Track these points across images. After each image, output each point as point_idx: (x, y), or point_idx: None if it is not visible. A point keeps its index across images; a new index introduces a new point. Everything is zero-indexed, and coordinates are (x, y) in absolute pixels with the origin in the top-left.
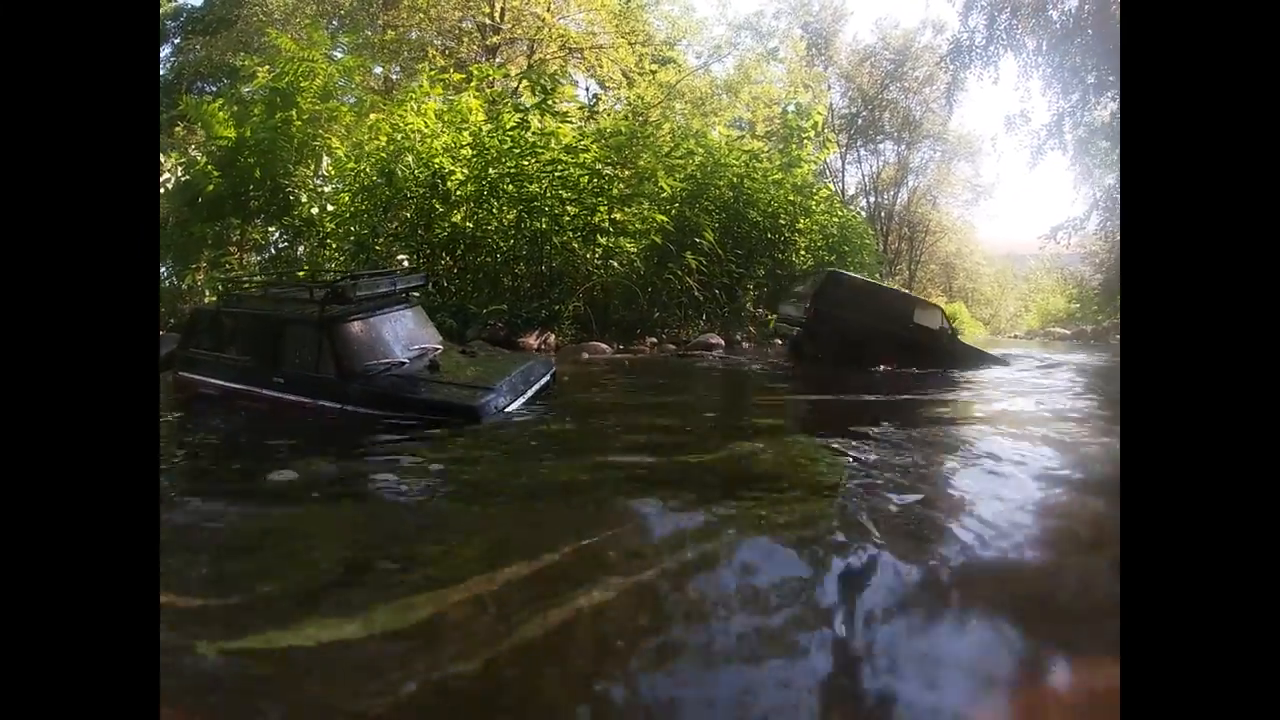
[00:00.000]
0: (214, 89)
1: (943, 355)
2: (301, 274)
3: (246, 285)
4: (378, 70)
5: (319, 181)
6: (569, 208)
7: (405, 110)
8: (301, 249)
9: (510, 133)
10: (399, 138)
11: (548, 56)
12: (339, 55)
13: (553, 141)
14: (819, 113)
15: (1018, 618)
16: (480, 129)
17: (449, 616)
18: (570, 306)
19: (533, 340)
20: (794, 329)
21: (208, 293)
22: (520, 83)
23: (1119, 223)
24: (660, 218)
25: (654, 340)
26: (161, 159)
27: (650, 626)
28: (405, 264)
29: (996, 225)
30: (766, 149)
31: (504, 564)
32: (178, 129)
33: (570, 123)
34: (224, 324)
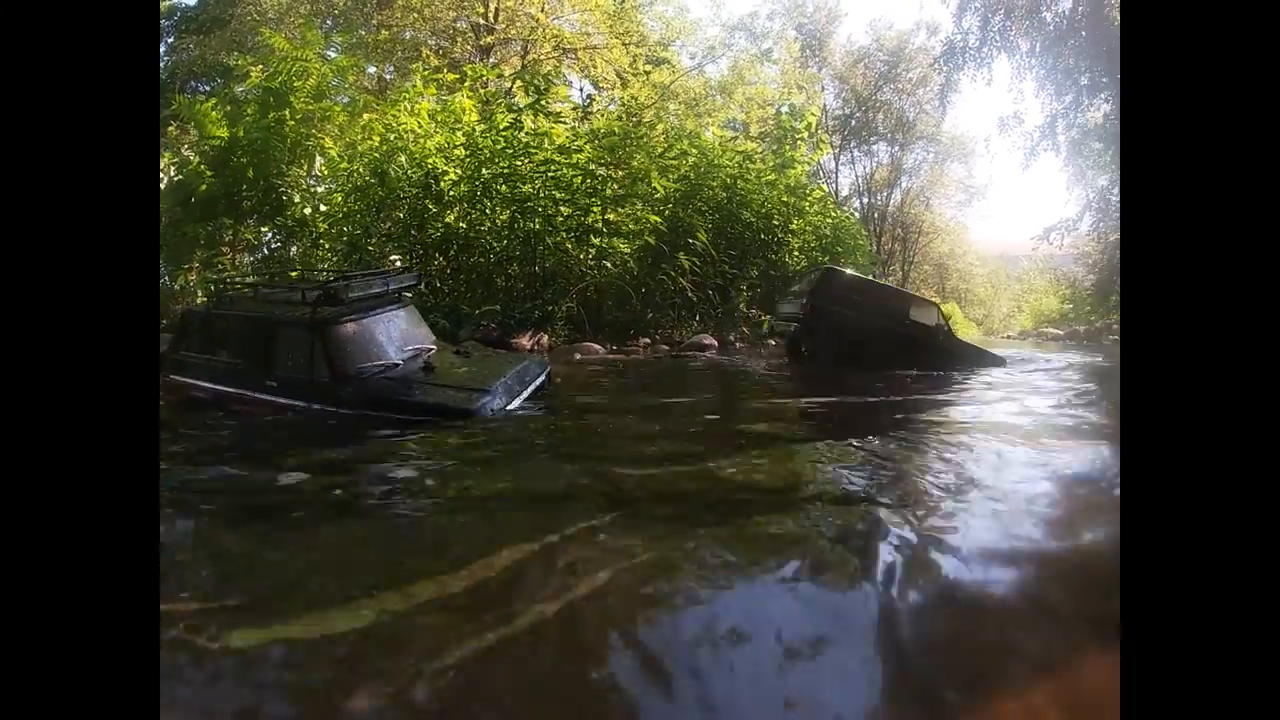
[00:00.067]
0: (207, 88)
1: (939, 352)
2: (294, 274)
3: (240, 286)
4: (371, 70)
5: (312, 181)
6: (562, 208)
7: (399, 110)
8: (294, 249)
9: (504, 133)
10: (392, 138)
11: (542, 57)
12: (333, 55)
13: (546, 142)
14: (813, 114)
15: None
16: (474, 129)
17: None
18: (563, 307)
19: (526, 341)
20: (791, 326)
21: (200, 293)
22: (514, 83)
23: (1112, 224)
24: (654, 218)
25: (647, 341)
26: None
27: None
28: (398, 264)
29: (990, 226)
30: (760, 150)
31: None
32: (171, 129)
33: (564, 123)
34: (215, 326)
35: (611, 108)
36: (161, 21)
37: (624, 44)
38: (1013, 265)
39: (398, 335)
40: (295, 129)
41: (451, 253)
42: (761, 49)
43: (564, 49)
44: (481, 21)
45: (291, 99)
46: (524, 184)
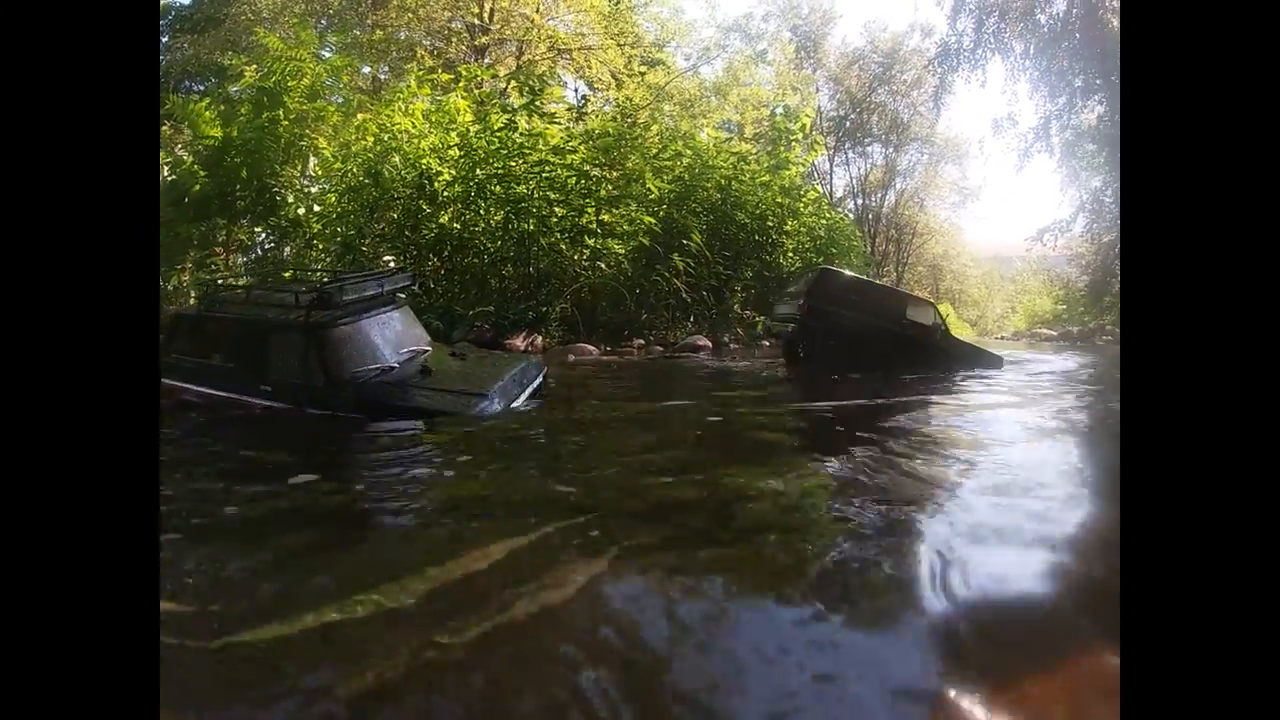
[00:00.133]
0: (201, 88)
1: (936, 352)
2: (287, 274)
3: (234, 286)
4: (366, 70)
5: (306, 182)
6: (556, 209)
7: (393, 110)
8: (288, 250)
9: (498, 134)
10: (386, 138)
11: (536, 57)
12: (327, 55)
13: (540, 143)
14: (807, 115)
15: None
16: (468, 130)
17: None
18: (557, 308)
19: (519, 342)
20: (788, 326)
21: (193, 294)
22: (509, 84)
23: (1105, 225)
24: (648, 219)
25: (641, 342)
26: None
27: None
28: (392, 265)
29: (983, 227)
30: (754, 151)
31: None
32: (165, 128)
33: (558, 124)
34: (207, 329)
35: (606, 109)
36: None
37: (619, 45)
38: (1006, 266)
39: (393, 337)
40: (289, 129)
41: (445, 253)
42: (756, 50)
43: (559, 50)
44: (476, 22)
45: (286, 99)
46: (518, 185)
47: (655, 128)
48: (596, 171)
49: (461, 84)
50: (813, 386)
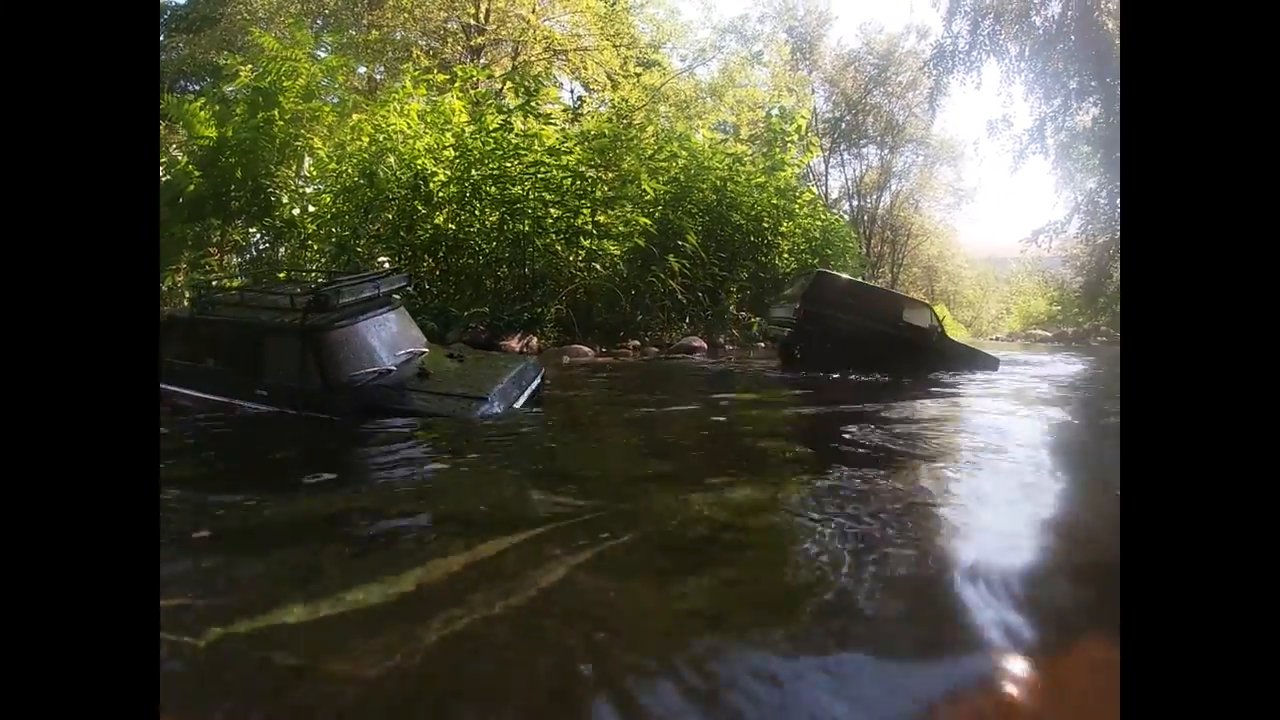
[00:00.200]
0: (196, 88)
1: (933, 354)
2: (282, 275)
3: (227, 288)
4: (361, 70)
5: (300, 182)
6: (552, 210)
7: (388, 111)
8: (282, 251)
9: (493, 134)
10: (381, 138)
11: (532, 58)
12: (323, 55)
13: (536, 143)
14: (803, 116)
15: None
16: (463, 130)
17: None
18: (553, 309)
19: (515, 343)
20: (784, 330)
21: (187, 295)
22: (504, 84)
23: (1100, 226)
24: (643, 220)
25: (637, 343)
26: None
27: None
28: (386, 266)
29: (978, 229)
30: (750, 152)
31: None
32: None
33: (554, 125)
34: (200, 332)
35: (602, 109)
36: None
37: (615, 46)
38: (1001, 267)
39: (390, 339)
40: (284, 129)
41: (440, 254)
42: (752, 52)
43: (555, 50)
44: (472, 22)
45: (281, 99)
46: (513, 185)
47: (651, 129)
48: (592, 172)
49: (457, 84)
50: (809, 390)
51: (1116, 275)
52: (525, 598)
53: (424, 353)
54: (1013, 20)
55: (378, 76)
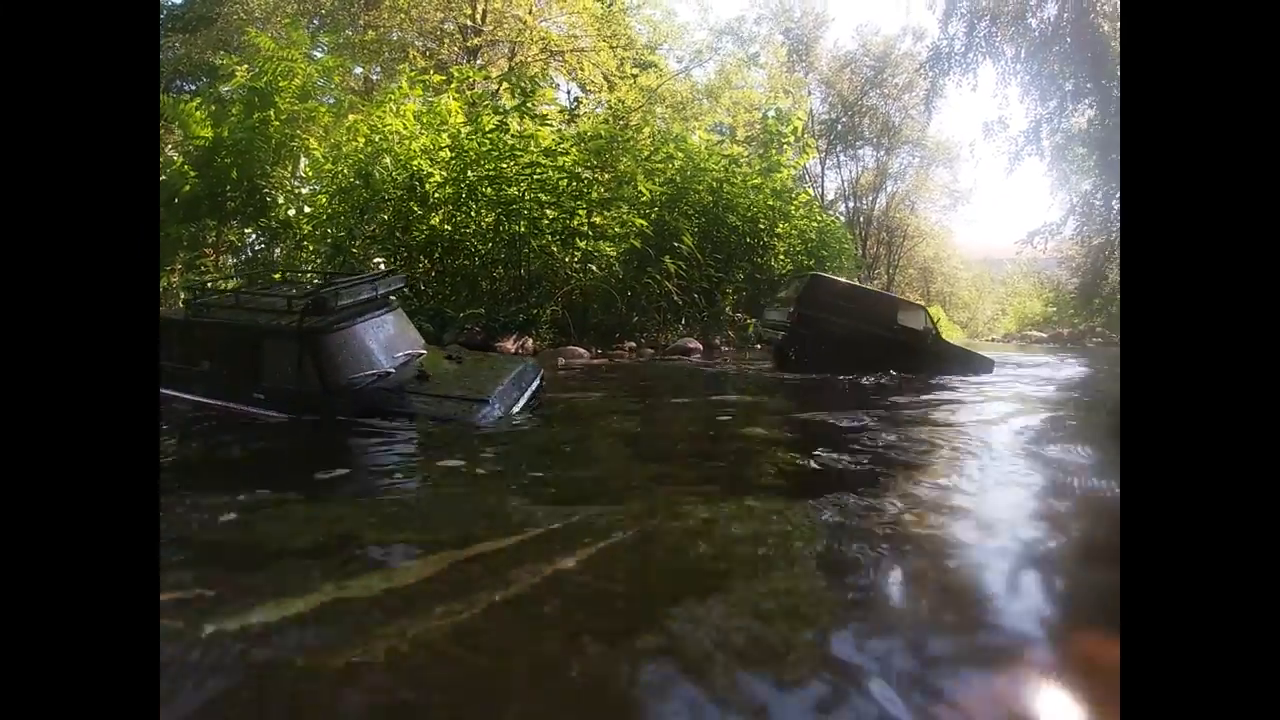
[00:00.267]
0: (193, 88)
1: (928, 356)
2: (277, 276)
3: (222, 290)
4: (358, 70)
5: (296, 183)
6: (548, 211)
7: (384, 111)
8: (278, 251)
9: (489, 135)
10: (377, 139)
11: (529, 59)
12: (319, 55)
13: (532, 144)
14: (799, 118)
15: None
16: (459, 131)
17: None
18: (548, 310)
19: (510, 345)
20: (778, 334)
21: (182, 295)
22: (500, 85)
23: (1095, 228)
24: (639, 222)
25: (632, 345)
26: None
27: None
28: (382, 267)
29: (974, 230)
30: (746, 154)
31: None
32: None
33: (550, 126)
34: (195, 335)
35: (598, 111)
36: None
37: (611, 47)
38: (997, 269)
39: (388, 341)
40: (280, 129)
41: (436, 255)
42: (748, 53)
43: (551, 51)
44: (469, 23)
45: (277, 99)
46: (509, 186)
47: (647, 130)
48: (588, 174)
49: (453, 85)
50: (804, 394)
51: (1112, 276)
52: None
53: (423, 355)
54: (1009, 22)
55: (374, 77)
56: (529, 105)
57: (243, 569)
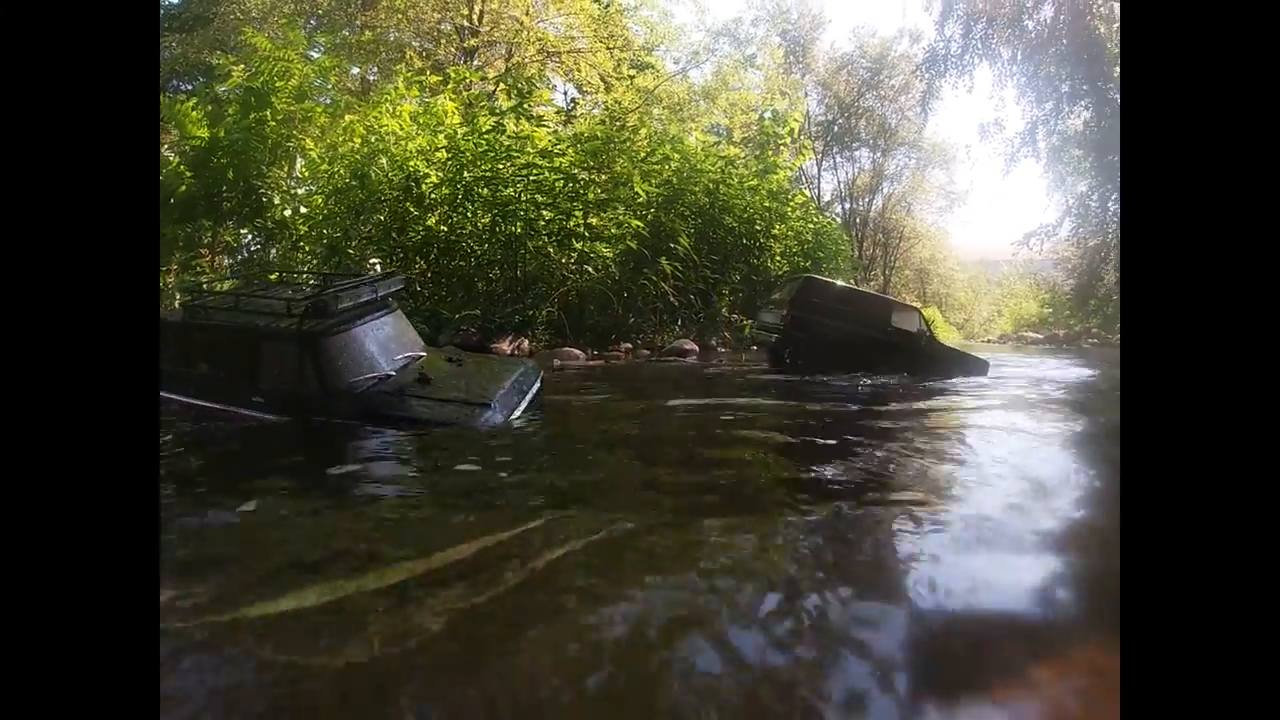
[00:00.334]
0: (189, 88)
1: (922, 358)
2: (273, 276)
3: (218, 291)
4: (354, 71)
5: (292, 183)
6: (544, 212)
7: (380, 112)
8: (274, 252)
9: (486, 136)
10: (373, 140)
11: (526, 60)
12: (316, 55)
13: (528, 145)
14: (795, 120)
15: None
16: (455, 132)
17: None
18: (544, 312)
19: (506, 346)
20: (772, 336)
21: (178, 296)
22: (497, 86)
23: (1091, 229)
24: (636, 223)
25: (628, 346)
26: None
27: None
28: (378, 268)
29: (970, 231)
30: (743, 155)
31: None
32: None
33: (546, 127)
34: (193, 337)
35: (595, 112)
36: None
37: (608, 48)
38: (993, 270)
39: (389, 343)
40: (276, 130)
41: (432, 256)
42: (745, 55)
43: (548, 52)
44: (466, 24)
45: (273, 99)
46: (506, 187)
47: (644, 131)
48: (584, 175)
49: (450, 86)
50: (799, 397)
51: (1107, 278)
52: None
53: (423, 357)
54: (1005, 24)
55: (371, 78)
56: (525, 106)
57: (243, 568)
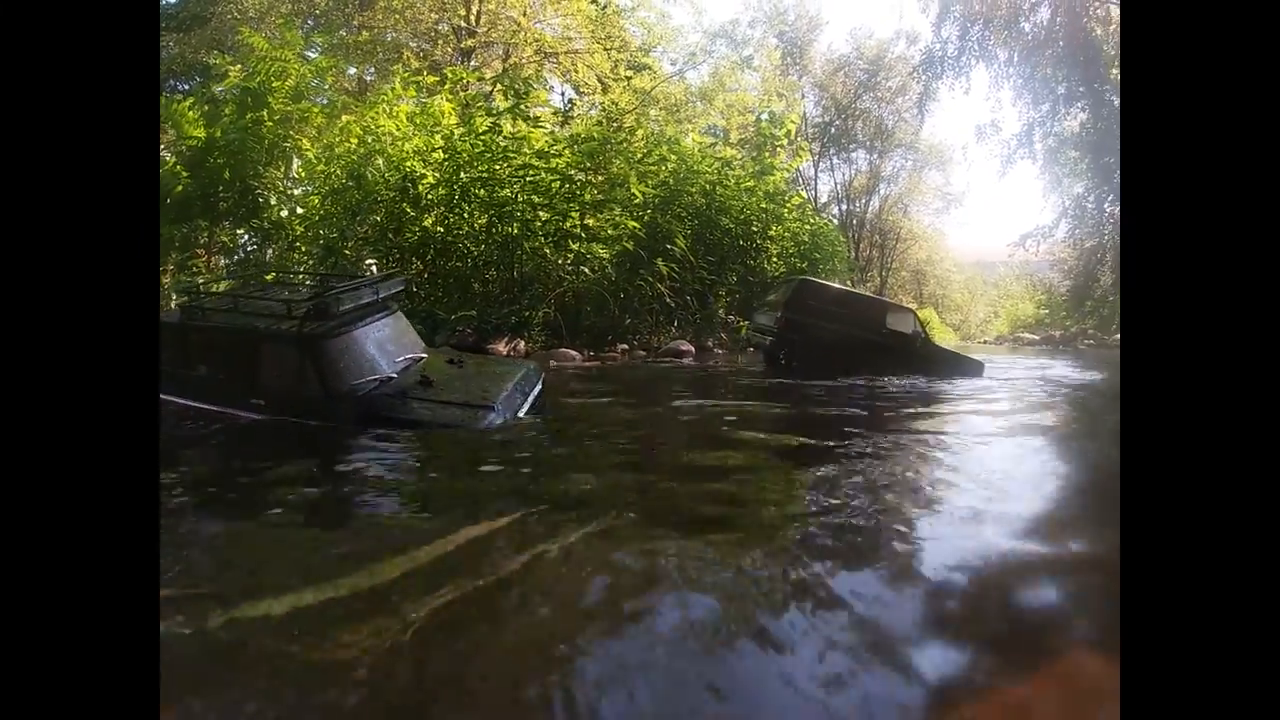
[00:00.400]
0: (186, 87)
1: (916, 359)
2: (270, 277)
3: (216, 292)
4: (351, 71)
5: (289, 184)
6: (540, 213)
7: (377, 112)
8: (270, 252)
9: (482, 137)
10: (370, 140)
11: (523, 60)
12: (313, 55)
13: (525, 146)
14: (792, 121)
15: None
16: (452, 132)
17: None
18: (541, 313)
19: (502, 347)
20: (767, 338)
21: (174, 297)
22: (494, 86)
23: (1087, 230)
24: (632, 224)
25: (625, 347)
26: None
27: None
28: (374, 269)
29: (967, 233)
30: (740, 156)
31: None
32: None
33: (543, 127)
34: (191, 338)
35: (592, 113)
36: None
37: (605, 49)
38: (989, 271)
39: (389, 346)
40: (273, 130)
41: (428, 257)
42: (742, 56)
43: (545, 53)
44: (463, 24)
45: (270, 99)
46: (502, 188)
47: (641, 132)
48: (581, 176)
49: (447, 86)
50: (795, 397)
51: (1103, 279)
52: None
53: (424, 358)
54: (1002, 26)
55: (368, 78)
56: (522, 107)
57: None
